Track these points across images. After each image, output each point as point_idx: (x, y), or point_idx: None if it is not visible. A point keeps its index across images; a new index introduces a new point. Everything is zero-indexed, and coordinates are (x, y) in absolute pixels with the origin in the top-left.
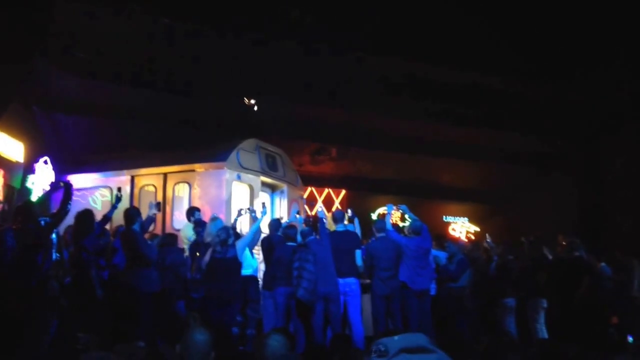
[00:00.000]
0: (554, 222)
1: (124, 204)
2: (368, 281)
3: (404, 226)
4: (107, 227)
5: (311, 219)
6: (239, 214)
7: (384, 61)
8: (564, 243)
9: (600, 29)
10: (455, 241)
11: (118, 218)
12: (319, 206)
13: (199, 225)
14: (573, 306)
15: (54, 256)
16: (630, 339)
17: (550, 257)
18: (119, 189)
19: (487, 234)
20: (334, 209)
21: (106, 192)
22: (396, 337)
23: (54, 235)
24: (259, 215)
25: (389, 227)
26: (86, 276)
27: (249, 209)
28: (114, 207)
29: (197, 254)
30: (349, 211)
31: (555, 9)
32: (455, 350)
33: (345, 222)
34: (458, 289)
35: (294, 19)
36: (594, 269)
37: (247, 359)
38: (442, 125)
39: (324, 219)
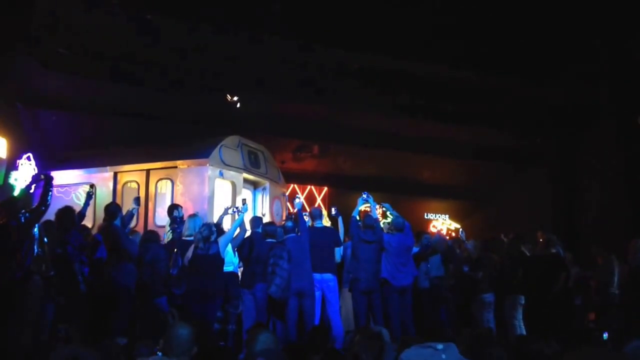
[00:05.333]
0: (533, 218)
1: (107, 200)
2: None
3: (385, 223)
4: (91, 224)
5: (292, 215)
6: (225, 212)
7: (360, 56)
8: (541, 240)
9: (577, 26)
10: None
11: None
12: (298, 197)
13: (174, 222)
14: (549, 302)
15: (36, 250)
16: (605, 335)
17: (528, 254)
18: (91, 186)
19: (460, 229)
20: (315, 205)
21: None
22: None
23: (35, 230)
24: (238, 213)
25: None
26: (70, 270)
27: (236, 207)
28: (86, 203)
29: (175, 250)
30: (333, 210)
31: (533, 5)
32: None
33: (325, 221)
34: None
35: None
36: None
37: (228, 353)
38: (421, 121)
39: (302, 212)
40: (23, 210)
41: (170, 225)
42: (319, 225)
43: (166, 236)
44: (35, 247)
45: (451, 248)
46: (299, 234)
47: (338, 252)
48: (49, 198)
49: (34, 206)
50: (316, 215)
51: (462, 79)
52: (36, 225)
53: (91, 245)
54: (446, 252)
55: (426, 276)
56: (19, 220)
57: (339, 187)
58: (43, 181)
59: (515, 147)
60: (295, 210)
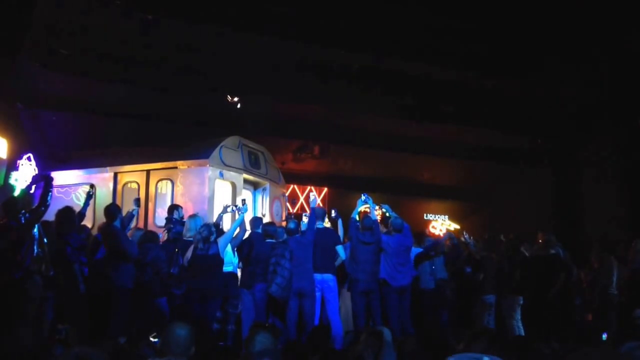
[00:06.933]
0: (533, 219)
1: (108, 200)
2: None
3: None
4: (91, 224)
5: (293, 215)
6: (224, 211)
7: (361, 56)
8: (540, 240)
9: (576, 25)
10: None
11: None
12: (313, 194)
13: (169, 222)
14: (548, 303)
15: (35, 251)
16: (604, 336)
17: (527, 254)
18: (91, 186)
19: (464, 231)
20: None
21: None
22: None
23: (35, 230)
24: (238, 212)
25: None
26: (70, 271)
27: (235, 206)
28: (86, 203)
29: (177, 250)
30: (333, 212)
31: (534, 6)
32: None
33: (326, 222)
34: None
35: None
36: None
37: (227, 354)
38: (422, 122)
39: (315, 208)
40: (23, 211)
41: (165, 226)
42: (321, 226)
43: (161, 236)
44: (35, 247)
45: (456, 247)
46: (301, 234)
47: (340, 250)
48: (49, 198)
49: (34, 206)
50: (319, 215)
51: (462, 79)
52: (36, 225)
53: (92, 245)
54: (450, 252)
55: (432, 277)
56: (19, 221)
57: (339, 187)
58: (43, 181)
59: (515, 148)
60: (305, 205)
